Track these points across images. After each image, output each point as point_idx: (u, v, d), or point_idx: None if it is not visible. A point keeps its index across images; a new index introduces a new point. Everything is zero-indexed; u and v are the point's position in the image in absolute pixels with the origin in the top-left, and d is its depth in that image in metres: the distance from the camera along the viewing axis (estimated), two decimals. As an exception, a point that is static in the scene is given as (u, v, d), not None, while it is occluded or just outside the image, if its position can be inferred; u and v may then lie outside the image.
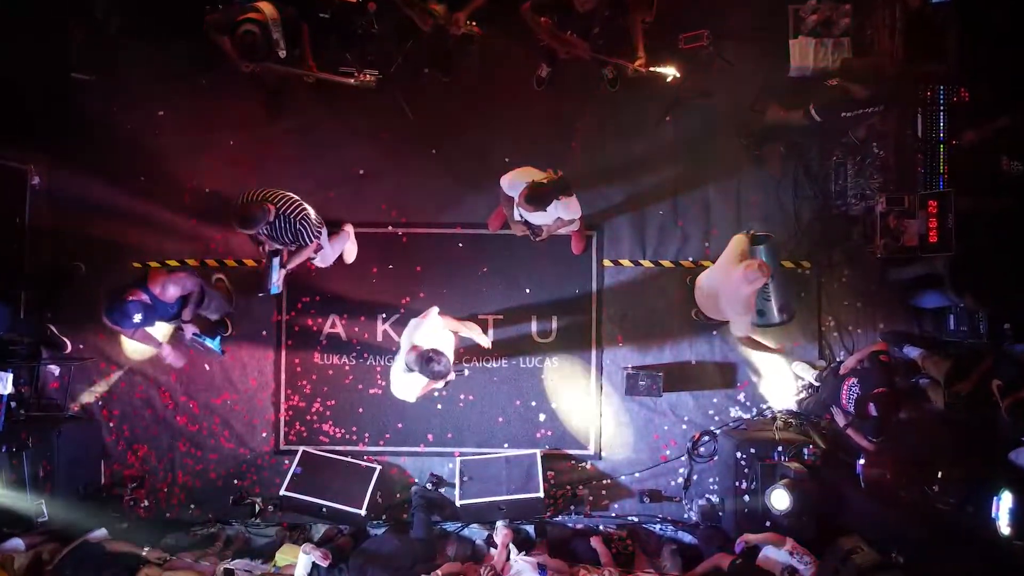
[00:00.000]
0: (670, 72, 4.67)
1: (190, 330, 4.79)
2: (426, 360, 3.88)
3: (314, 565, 4.37)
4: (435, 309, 4.23)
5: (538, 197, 4.21)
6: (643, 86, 5.02)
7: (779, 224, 5.35)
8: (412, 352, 3.93)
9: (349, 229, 5.24)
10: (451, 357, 4.14)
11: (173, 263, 5.43)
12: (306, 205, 4.52)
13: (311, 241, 4.55)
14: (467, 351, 5.33)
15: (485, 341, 4.52)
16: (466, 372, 4.47)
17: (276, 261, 4.62)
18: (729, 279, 4.16)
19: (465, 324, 4.47)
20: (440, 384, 4.20)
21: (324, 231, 4.69)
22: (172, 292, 4.45)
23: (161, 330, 4.99)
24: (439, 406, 5.33)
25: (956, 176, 4.84)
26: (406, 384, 4.11)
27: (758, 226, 5.00)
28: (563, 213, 4.48)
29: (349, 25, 4.94)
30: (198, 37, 4.84)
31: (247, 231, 4.38)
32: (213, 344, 4.97)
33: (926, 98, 4.88)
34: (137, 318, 4.35)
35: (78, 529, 4.67)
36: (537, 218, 4.55)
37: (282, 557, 4.71)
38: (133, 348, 5.39)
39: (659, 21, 5.14)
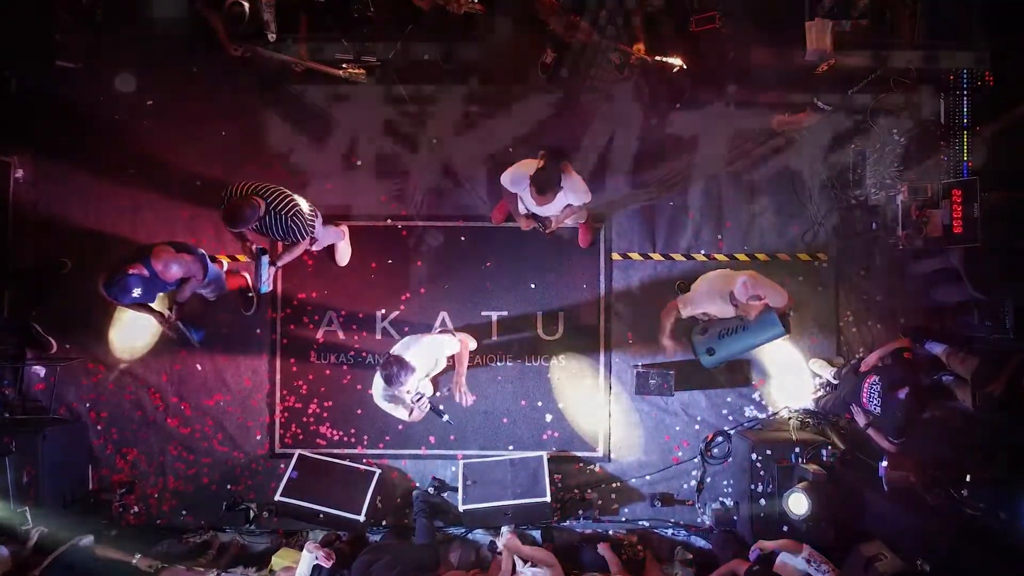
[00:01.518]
0: (676, 62, 4.61)
1: (177, 314, 4.68)
2: (391, 369, 3.93)
3: (316, 566, 4.27)
4: (457, 340, 4.43)
5: (546, 181, 4.14)
6: (653, 72, 4.89)
7: (795, 215, 5.24)
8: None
9: (344, 229, 5.09)
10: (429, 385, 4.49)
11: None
12: (297, 198, 4.36)
13: (304, 238, 4.40)
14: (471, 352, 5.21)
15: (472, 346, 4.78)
16: (446, 418, 4.49)
17: (264, 259, 4.48)
18: (736, 276, 4.35)
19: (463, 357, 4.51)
20: (412, 413, 4.29)
21: (318, 221, 4.52)
22: (175, 272, 4.36)
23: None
24: (441, 406, 5.17)
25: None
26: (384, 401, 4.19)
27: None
28: (572, 199, 4.39)
29: (346, 7, 4.81)
30: (187, 23, 4.71)
31: (236, 229, 4.25)
32: (196, 334, 4.87)
33: (949, 82, 4.73)
34: (136, 292, 4.26)
35: (65, 537, 4.49)
36: (545, 210, 4.46)
37: (278, 561, 4.62)
38: (122, 348, 5.26)
39: (670, 2, 5.00)
